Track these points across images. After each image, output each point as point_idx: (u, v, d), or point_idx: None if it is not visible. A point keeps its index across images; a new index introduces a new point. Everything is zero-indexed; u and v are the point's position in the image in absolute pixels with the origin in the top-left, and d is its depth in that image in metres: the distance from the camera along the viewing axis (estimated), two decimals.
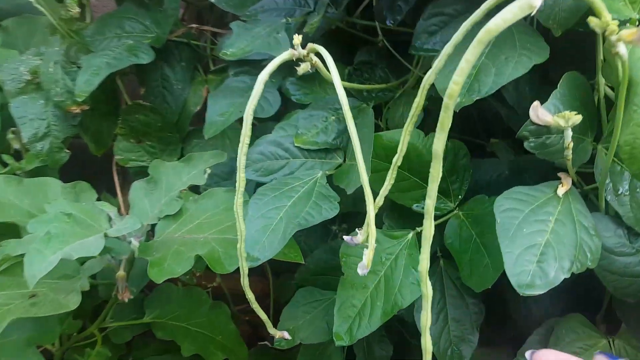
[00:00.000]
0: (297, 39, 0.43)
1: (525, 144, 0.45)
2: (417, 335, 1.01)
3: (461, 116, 0.45)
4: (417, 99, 0.37)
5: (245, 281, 0.51)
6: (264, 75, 0.41)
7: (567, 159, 0.44)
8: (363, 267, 0.42)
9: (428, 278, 0.40)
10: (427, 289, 0.40)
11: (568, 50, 0.55)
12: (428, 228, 0.38)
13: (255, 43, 0.62)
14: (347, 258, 0.59)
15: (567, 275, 0.42)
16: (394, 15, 0.62)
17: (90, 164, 0.94)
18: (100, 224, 0.60)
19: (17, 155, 0.88)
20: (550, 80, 0.50)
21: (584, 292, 0.62)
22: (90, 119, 0.88)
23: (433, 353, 0.63)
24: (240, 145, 0.43)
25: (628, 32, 0.31)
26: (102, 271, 0.69)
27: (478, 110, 0.78)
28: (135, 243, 0.65)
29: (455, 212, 0.59)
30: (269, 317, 1.14)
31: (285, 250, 0.58)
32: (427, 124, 0.61)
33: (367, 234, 0.44)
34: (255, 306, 0.55)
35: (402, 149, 0.40)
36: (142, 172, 0.87)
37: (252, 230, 0.54)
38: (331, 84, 0.70)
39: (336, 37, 0.72)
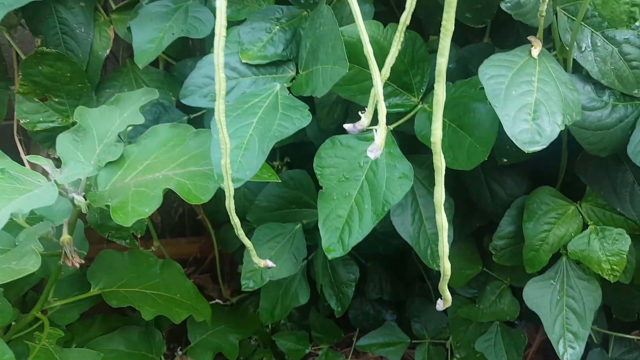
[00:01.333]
0: None
1: (502, 5, 0.45)
2: (373, 258, 1.02)
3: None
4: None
5: (230, 203, 0.46)
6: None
7: (541, 14, 0.44)
8: (376, 148, 0.39)
9: (443, 209, 0.39)
10: (443, 220, 0.39)
11: None
12: (440, 93, 0.36)
13: None
14: (322, 170, 0.57)
15: (562, 128, 0.43)
16: None
17: None
18: (38, 178, 0.52)
19: None
20: None
21: (541, 168, 0.66)
22: None
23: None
24: (216, 38, 0.38)
25: None
26: None
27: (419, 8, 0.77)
28: (79, 198, 0.57)
29: (420, 105, 0.59)
30: (217, 271, 1.09)
31: (258, 171, 0.53)
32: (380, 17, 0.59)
33: (371, 115, 0.41)
34: (240, 233, 0.51)
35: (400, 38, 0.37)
36: (52, 137, 0.77)
37: None
38: None
39: None
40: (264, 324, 0.94)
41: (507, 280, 0.77)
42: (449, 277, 0.45)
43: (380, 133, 0.38)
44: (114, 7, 0.81)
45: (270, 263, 0.57)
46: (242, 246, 0.53)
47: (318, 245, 0.81)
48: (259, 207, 0.83)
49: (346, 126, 0.44)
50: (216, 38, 0.37)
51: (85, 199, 0.56)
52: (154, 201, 0.50)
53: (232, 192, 0.45)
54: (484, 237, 0.74)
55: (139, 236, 0.89)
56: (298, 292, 0.88)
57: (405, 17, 0.37)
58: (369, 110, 0.42)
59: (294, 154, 0.89)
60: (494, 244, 0.65)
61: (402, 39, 0.39)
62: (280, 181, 0.57)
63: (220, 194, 0.97)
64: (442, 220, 0.40)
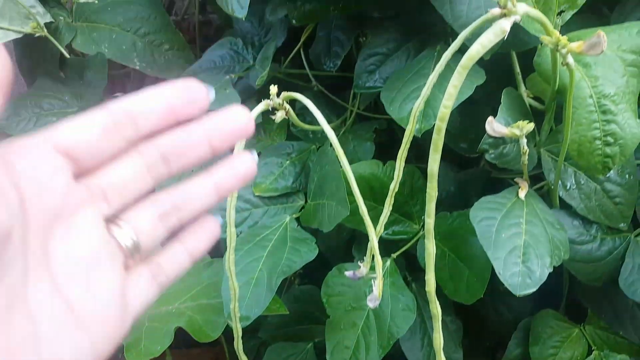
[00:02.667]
0: (274, 88, 0.44)
1: (486, 156, 0.49)
2: None
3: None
4: (408, 129, 0.39)
5: (239, 345, 0.48)
6: None
7: (523, 163, 0.49)
8: (374, 299, 0.42)
9: (436, 298, 0.41)
10: (437, 308, 0.41)
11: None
12: (430, 247, 0.39)
13: None
14: (329, 298, 0.59)
15: (550, 270, 0.45)
16: (332, 60, 0.65)
17: None
18: None
19: None
20: (470, 98, 0.55)
21: (545, 289, 0.67)
22: None
23: None
24: (228, 200, 0.42)
25: (576, 44, 0.36)
26: None
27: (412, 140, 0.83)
28: None
29: (421, 232, 0.62)
30: None
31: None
32: (380, 155, 0.64)
33: (370, 264, 0.44)
34: None
35: (398, 175, 0.41)
36: None
37: None
38: (277, 131, 0.71)
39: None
40: None
41: None
42: None
43: (378, 284, 0.41)
44: None
45: None
46: None
47: None
48: (271, 323, 0.84)
49: (347, 273, 0.47)
50: (229, 200, 0.41)
51: None
52: (166, 338, 0.53)
53: (240, 334, 0.48)
54: (496, 355, 0.74)
55: None
56: None
57: (402, 153, 0.41)
58: (367, 260, 0.45)
59: (307, 265, 0.91)
60: None
61: (400, 176, 0.43)
62: (287, 313, 0.59)
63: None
64: (437, 309, 0.41)
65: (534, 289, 0.44)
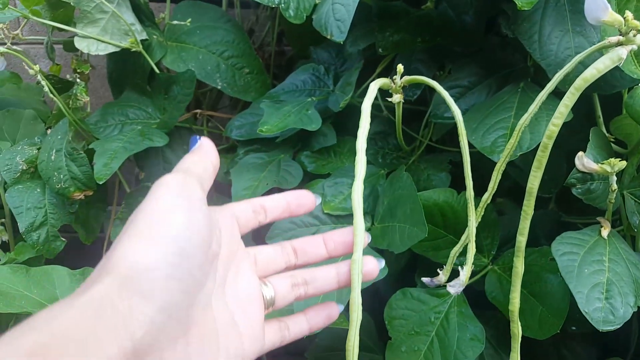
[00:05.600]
0: (400, 67, 0.47)
1: (573, 190, 0.49)
2: None
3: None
4: (500, 162, 0.40)
5: None
6: (367, 104, 0.44)
7: (610, 202, 0.48)
8: (459, 284, 0.42)
9: (518, 318, 0.41)
10: (518, 328, 0.41)
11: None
12: (520, 266, 0.40)
13: (288, 119, 0.65)
14: (392, 320, 0.59)
15: (635, 310, 0.45)
16: (412, 89, 0.68)
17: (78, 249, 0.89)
18: None
19: (4, 246, 0.83)
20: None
21: (612, 337, 0.65)
22: (81, 207, 0.85)
23: None
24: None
25: None
26: None
27: (478, 172, 0.84)
28: None
29: (490, 267, 0.61)
30: None
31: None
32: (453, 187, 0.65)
33: (449, 272, 0.45)
34: None
35: (493, 187, 0.42)
36: None
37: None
38: (347, 154, 0.73)
39: (350, 112, 0.77)
40: None
41: None
42: None
43: (466, 271, 0.41)
44: None
45: None
46: None
47: None
48: (319, 345, 0.83)
49: (424, 280, 0.48)
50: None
51: None
52: None
53: None
54: None
55: None
56: None
57: (487, 197, 0.42)
58: (447, 268, 0.46)
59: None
60: None
61: (482, 213, 0.44)
62: (347, 327, 0.59)
63: None
64: (518, 330, 0.41)
65: (618, 326, 0.43)
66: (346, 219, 0.67)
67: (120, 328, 0.24)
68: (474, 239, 0.44)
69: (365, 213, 0.68)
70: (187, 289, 0.28)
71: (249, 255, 0.36)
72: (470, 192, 0.47)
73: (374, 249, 0.62)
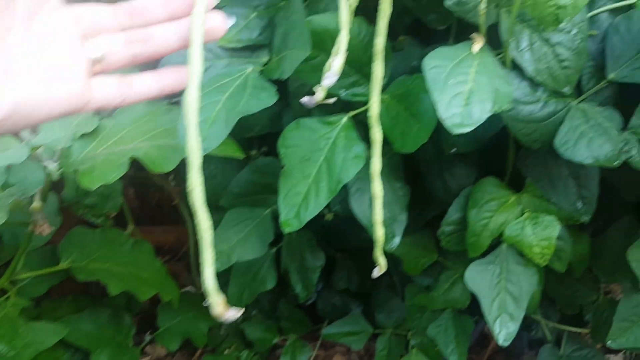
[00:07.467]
0: None
1: (445, 3, 0.50)
2: (343, 250, 1.06)
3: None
4: None
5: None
6: None
7: (481, 13, 0.49)
8: (332, 74, 0.44)
9: (379, 122, 0.43)
10: (379, 133, 0.43)
11: None
12: (378, 70, 0.41)
13: None
14: (286, 150, 0.61)
15: (489, 114, 0.48)
16: None
17: None
18: (11, 142, 0.55)
19: None
20: None
21: (490, 162, 0.70)
22: None
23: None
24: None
25: None
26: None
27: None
28: (52, 166, 0.60)
29: (380, 96, 0.63)
30: (190, 262, 1.11)
31: (222, 147, 0.57)
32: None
33: (325, 91, 0.46)
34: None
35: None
36: None
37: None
38: None
39: None
40: None
41: (460, 270, 0.81)
42: (382, 243, 0.49)
43: (338, 60, 0.42)
44: None
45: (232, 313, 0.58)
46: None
47: None
48: (232, 192, 0.87)
49: (303, 100, 0.48)
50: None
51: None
52: (121, 168, 0.54)
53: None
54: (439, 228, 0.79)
55: (112, 216, 0.91)
56: (266, 277, 0.91)
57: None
58: (324, 83, 0.46)
59: (272, 143, 0.93)
60: (442, 230, 0.70)
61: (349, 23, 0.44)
62: (244, 156, 0.61)
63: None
64: (377, 189, 0.44)
65: (470, 129, 0.47)
66: (241, 52, 0.65)
67: None
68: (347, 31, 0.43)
69: (263, 45, 0.66)
70: None
71: (69, 13, 0.32)
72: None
73: (272, 80, 0.61)
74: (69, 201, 0.82)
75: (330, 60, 0.44)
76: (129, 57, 0.34)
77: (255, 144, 0.91)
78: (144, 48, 0.34)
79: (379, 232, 0.47)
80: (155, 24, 0.34)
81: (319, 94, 0.47)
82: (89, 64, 0.33)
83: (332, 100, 0.54)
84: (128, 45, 0.33)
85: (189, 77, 0.32)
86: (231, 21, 0.34)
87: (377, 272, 0.51)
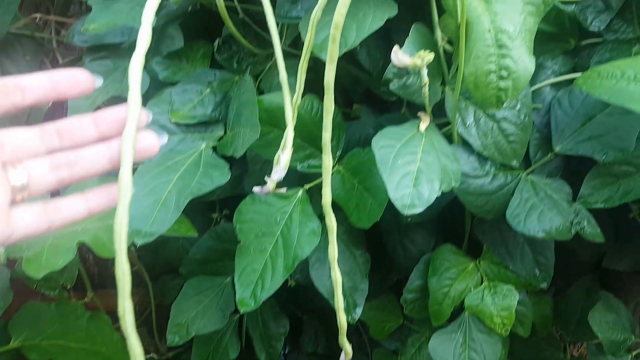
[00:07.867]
0: None
1: (390, 86, 0.51)
2: (309, 311, 1.05)
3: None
4: (307, 40, 0.40)
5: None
6: (148, 14, 0.38)
7: (424, 96, 0.51)
8: (280, 169, 0.43)
9: (331, 210, 0.43)
10: (332, 221, 0.43)
11: (406, 16, 0.63)
12: (327, 161, 0.41)
13: (119, 17, 0.60)
14: (242, 225, 0.60)
15: (438, 194, 0.48)
16: None
17: None
18: None
19: None
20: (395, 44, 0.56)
21: (449, 227, 0.71)
22: None
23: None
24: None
25: None
26: None
27: (338, 83, 0.85)
28: None
29: (335, 167, 0.64)
30: (153, 325, 1.08)
31: (175, 226, 0.56)
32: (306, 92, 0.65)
33: (276, 182, 0.46)
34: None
35: (297, 95, 0.42)
36: None
37: (141, 206, 0.52)
38: (200, 60, 0.71)
39: (202, 15, 0.72)
40: None
41: (426, 333, 0.80)
42: (345, 330, 0.48)
43: (286, 155, 0.42)
44: (61, 61, 0.85)
45: None
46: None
47: None
48: (193, 259, 0.85)
49: (255, 189, 0.48)
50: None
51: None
52: (69, 253, 0.52)
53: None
54: (402, 289, 0.78)
55: (68, 287, 0.88)
56: (229, 347, 0.88)
57: (301, 65, 0.42)
58: (273, 177, 0.46)
59: (233, 206, 0.92)
60: (405, 297, 0.69)
61: (299, 96, 0.45)
62: (197, 234, 0.60)
63: (157, 245, 0.98)
64: (336, 275, 0.44)
65: (421, 209, 0.47)
66: (195, 127, 0.65)
67: None
68: (292, 129, 0.44)
69: (217, 121, 0.67)
70: None
71: None
72: (287, 95, 0.47)
73: (226, 157, 0.61)
74: (21, 274, 0.79)
75: (277, 154, 0.45)
76: (54, 182, 0.32)
77: (217, 207, 0.91)
78: (72, 172, 0.32)
79: (342, 319, 0.46)
80: (85, 144, 0.32)
81: (270, 185, 0.47)
82: (11, 192, 0.31)
83: (283, 190, 0.55)
84: (54, 170, 0.32)
85: (120, 198, 0.31)
86: (164, 139, 0.34)
87: (342, 359, 0.49)
